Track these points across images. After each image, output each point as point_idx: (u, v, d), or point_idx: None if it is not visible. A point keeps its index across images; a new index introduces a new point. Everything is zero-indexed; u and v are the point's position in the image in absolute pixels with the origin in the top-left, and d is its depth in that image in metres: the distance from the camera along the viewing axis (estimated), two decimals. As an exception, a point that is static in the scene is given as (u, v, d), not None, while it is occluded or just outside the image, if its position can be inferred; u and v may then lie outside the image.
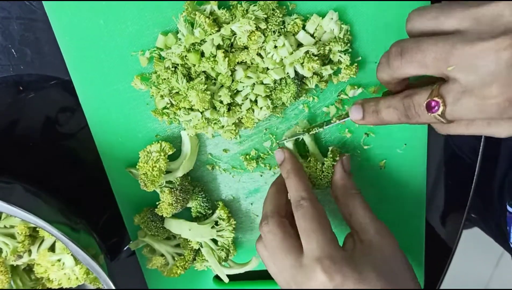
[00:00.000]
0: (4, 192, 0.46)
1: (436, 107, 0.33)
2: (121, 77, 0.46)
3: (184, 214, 0.53)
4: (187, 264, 0.53)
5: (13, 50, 0.47)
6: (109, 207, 0.54)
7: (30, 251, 0.52)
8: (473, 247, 1.29)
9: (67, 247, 0.45)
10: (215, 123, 0.46)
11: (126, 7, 0.43)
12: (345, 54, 0.44)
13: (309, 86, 0.45)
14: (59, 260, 0.51)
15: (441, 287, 0.63)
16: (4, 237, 0.50)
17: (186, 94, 0.44)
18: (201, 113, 0.45)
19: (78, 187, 0.55)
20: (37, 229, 0.51)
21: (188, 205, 0.52)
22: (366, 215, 0.44)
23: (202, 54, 0.43)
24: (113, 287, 0.47)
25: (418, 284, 0.43)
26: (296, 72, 0.44)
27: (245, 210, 0.55)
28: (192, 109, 0.46)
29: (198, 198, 0.51)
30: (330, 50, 0.44)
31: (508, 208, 0.59)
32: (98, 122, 0.49)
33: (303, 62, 0.43)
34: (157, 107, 0.46)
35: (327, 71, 0.44)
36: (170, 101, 0.46)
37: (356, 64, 0.44)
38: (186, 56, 0.43)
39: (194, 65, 0.44)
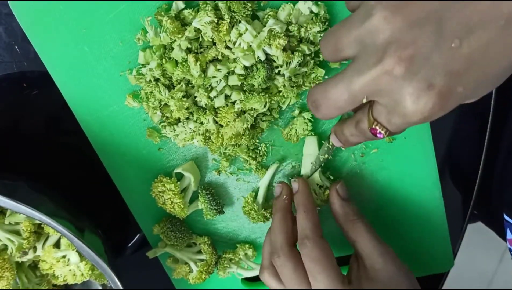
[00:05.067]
0: (9, 188, 0.46)
1: (379, 132, 0.34)
2: (115, 98, 0.47)
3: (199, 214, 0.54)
4: (210, 268, 0.54)
5: (16, 47, 0.47)
6: (114, 203, 0.54)
7: (35, 248, 0.52)
8: (477, 242, 1.29)
9: (72, 243, 0.45)
10: (199, 134, 0.47)
11: (106, 30, 0.44)
12: None
13: (278, 63, 0.44)
14: (64, 257, 0.51)
15: (445, 282, 0.63)
16: (9, 234, 0.50)
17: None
18: (183, 123, 0.46)
19: (83, 184, 0.55)
20: (42, 225, 0.51)
21: (200, 207, 0.52)
22: (369, 241, 0.45)
23: (177, 62, 0.44)
24: (118, 283, 0.47)
25: None
26: (266, 57, 0.43)
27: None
28: (184, 120, 0.47)
29: (206, 201, 0.51)
30: (309, 33, 0.43)
31: (505, 217, 0.59)
32: (102, 145, 0.49)
33: (270, 43, 0.42)
34: (153, 121, 0.47)
35: (305, 50, 0.44)
36: (162, 113, 0.46)
37: None
38: (163, 67, 0.44)
39: (173, 74, 0.44)
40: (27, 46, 0.47)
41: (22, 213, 0.44)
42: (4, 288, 0.50)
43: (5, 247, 0.51)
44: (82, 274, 0.51)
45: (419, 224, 0.55)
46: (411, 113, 0.30)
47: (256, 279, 0.60)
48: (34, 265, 0.55)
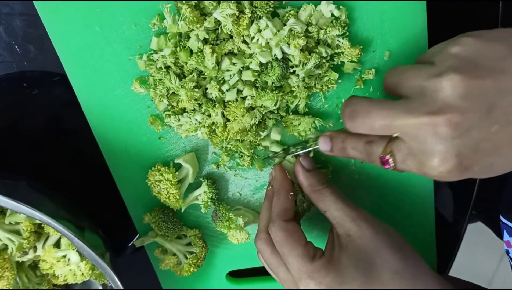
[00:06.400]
0: (9, 188, 0.46)
1: (387, 163, 0.37)
2: (121, 82, 0.47)
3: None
4: (199, 261, 0.53)
5: (16, 47, 0.47)
6: (114, 203, 0.54)
7: (35, 248, 0.52)
8: (477, 242, 1.29)
9: (72, 243, 0.45)
10: (204, 126, 0.47)
11: (121, 12, 0.43)
12: (343, 38, 0.44)
13: (293, 62, 0.44)
14: (64, 256, 0.51)
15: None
16: (10, 233, 0.50)
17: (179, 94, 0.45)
18: (189, 113, 0.46)
19: (83, 183, 0.55)
20: (42, 225, 0.51)
21: (200, 199, 0.52)
22: (338, 207, 0.44)
23: (192, 52, 0.44)
24: (119, 283, 0.47)
25: (411, 258, 0.42)
26: (283, 56, 0.43)
27: (253, 207, 0.54)
28: (191, 111, 0.47)
29: (212, 192, 0.51)
30: (327, 36, 0.44)
31: (502, 219, 0.59)
32: (101, 128, 0.49)
33: (289, 42, 0.42)
34: (158, 109, 0.47)
35: (322, 53, 0.44)
36: (169, 102, 0.46)
37: (360, 46, 0.44)
38: (176, 55, 0.44)
39: (186, 63, 0.44)
40: (27, 46, 0.47)
41: (23, 213, 0.43)
42: (5, 287, 0.50)
43: (6, 247, 0.51)
44: (83, 274, 0.51)
45: (409, 233, 0.54)
46: (431, 167, 0.34)
47: (240, 275, 0.60)
48: (34, 265, 0.55)
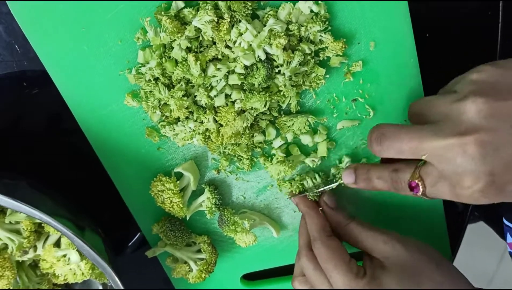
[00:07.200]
0: (9, 188, 0.46)
1: (417, 188, 0.37)
2: (114, 98, 0.47)
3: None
4: (210, 267, 0.54)
5: (16, 46, 0.47)
6: (114, 202, 0.54)
7: (35, 247, 0.52)
8: (477, 242, 1.29)
9: (73, 242, 0.45)
10: (199, 133, 0.47)
11: (105, 29, 0.44)
12: (325, 33, 0.43)
13: (278, 62, 0.44)
14: (64, 256, 0.51)
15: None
16: (10, 233, 0.50)
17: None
18: (183, 122, 0.47)
19: (83, 183, 0.55)
20: (43, 224, 0.51)
21: (204, 205, 0.52)
22: (367, 237, 0.45)
23: (177, 61, 0.44)
24: (119, 282, 0.47)
25: (449, 271, 0.43)
26: (266, 56, 0.43)
27: (258, 209, 0.54)
28: (184, 119, 0.47)
29: (215, 198, 0.51)
30: (309, 32, 0.43)
31: (505, 221, 0.59)
32: (101, 144, 0.50)
33: (270, 42, 0.42)
34: (153, 120, 0.47)
35: (305, 50, 0.44)
36: (162, 113, 0.47)
37: (343, 39, 0.44)
38: (162, 66, 0.44)
39: (173, 73, 0.44)
40: (27, 45, 0.47)
41: (23, 212, 0.44)
42: (5, 287, 0.50)
43: (6, 246, 0.51)
44: (83, 273, 0.51)
45: (418, 227, 0.54)
46: (463, 187, 0.34)
47: (254, 277, 0.60)
48: (34, 264, 0.55)
